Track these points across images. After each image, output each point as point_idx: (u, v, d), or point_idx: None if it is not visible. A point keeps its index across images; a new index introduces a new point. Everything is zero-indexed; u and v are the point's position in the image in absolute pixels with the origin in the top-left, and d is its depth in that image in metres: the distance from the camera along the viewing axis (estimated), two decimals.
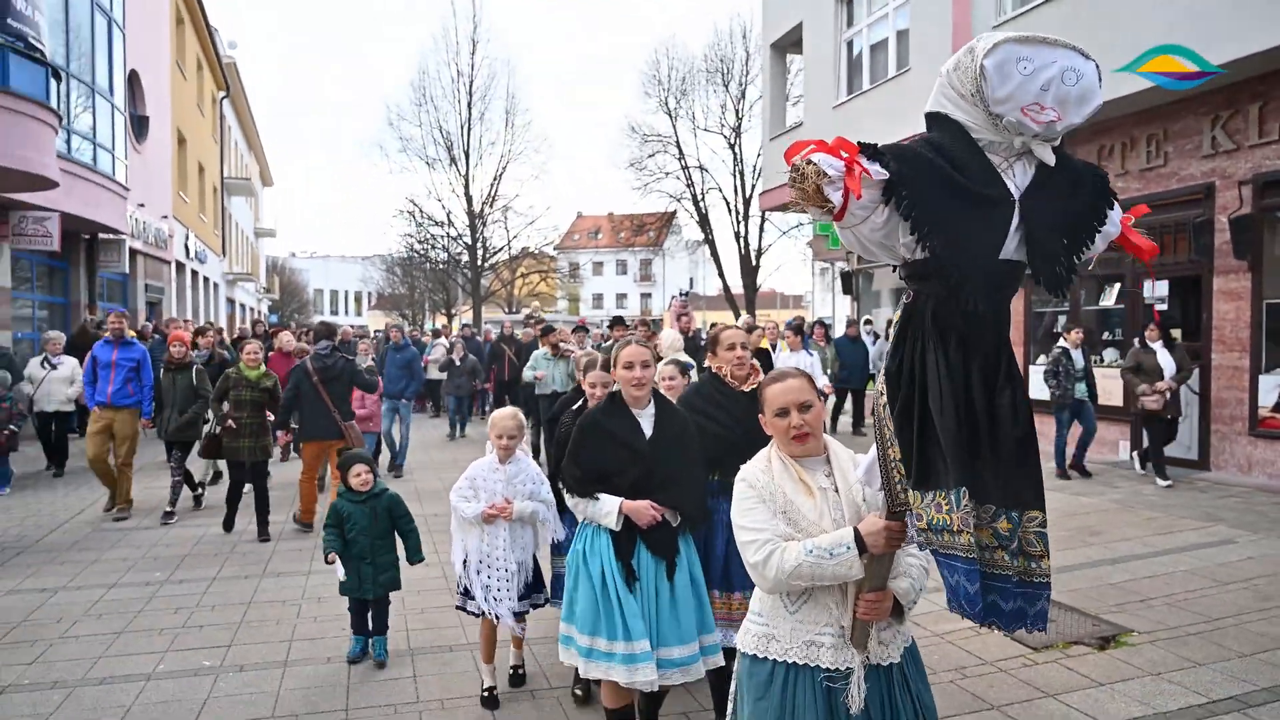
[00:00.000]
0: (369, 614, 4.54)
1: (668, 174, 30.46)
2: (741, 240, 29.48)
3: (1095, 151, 10.43)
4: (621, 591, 3.21)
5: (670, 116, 30.03)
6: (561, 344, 10.11)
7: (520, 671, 4.22)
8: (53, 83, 10.90)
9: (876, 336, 14.14)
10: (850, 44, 14.85)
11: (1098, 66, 1.94)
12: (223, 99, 32.27)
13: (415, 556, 4.64)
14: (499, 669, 4.18)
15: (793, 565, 2.17)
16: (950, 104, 1.99)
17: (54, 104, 10.89)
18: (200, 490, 8.46)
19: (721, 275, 31.08)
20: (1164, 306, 9.83)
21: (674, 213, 32.49)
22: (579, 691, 4.02)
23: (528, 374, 10.17)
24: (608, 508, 3.24)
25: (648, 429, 3.34)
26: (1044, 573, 1.99)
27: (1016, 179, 1.97)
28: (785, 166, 1.94)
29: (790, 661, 2.27)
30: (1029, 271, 2.02)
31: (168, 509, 7.77)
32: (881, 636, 2.25)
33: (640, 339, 3.58)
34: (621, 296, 70.99)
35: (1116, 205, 2.13)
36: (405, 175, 48.38)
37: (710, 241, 31.18)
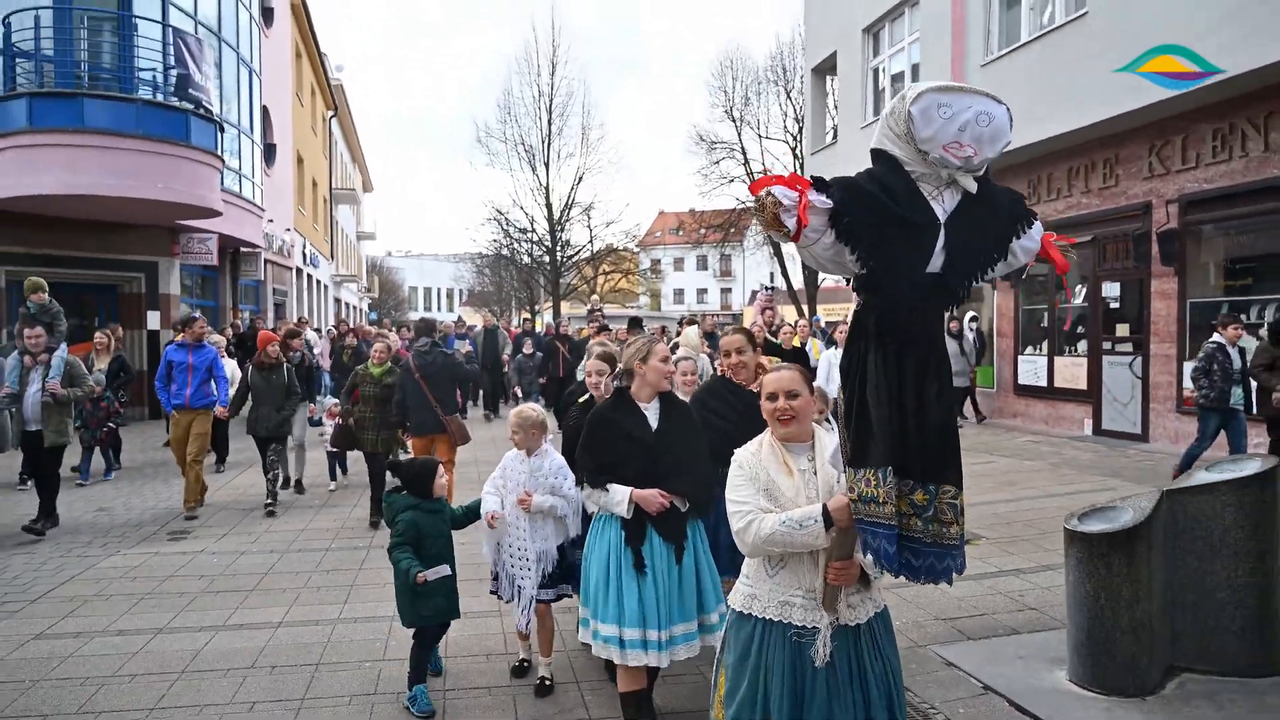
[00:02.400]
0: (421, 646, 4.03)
1: (733, 179, 32.51)
2: None
3: (1066, 172, 12.18)
4: (626, 579, 3.41)
5: (735, 124, 32.09)
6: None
7: (548, 683, 4.08)
8: (218, 134, 13.88)
9: (980, 335, 13.94)
10: (876, 71, 16.73)
11: (1008, 109, 2.30)
12: (331, 118, 35.85)
13: (474, 516, 4.21)
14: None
15: (767, 533, 2.46)
16: (889, 142, 2.34)
17: (219, 151, 13.87)
18: (285, 489, 8.98)
19: (785, 274, 32.95)
20: (1116, 305, 11.57)
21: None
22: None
23: (581, 374, 11.03)
24: (619, 497, 3.42)
25: (653, 421, 3.55)
26: (952, 537, 2.34)
27: (945, 204, 2.30)
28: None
29: (767, 618, 2.56)
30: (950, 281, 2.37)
31: (267, 502, 8.16)
32: (850, 600, 2.52)
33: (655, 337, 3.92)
34: (702, 291, 72.48)
35: (1037, 224, 2.51)
36: (493, 180, 52.89)
37: (774, 241, 33.06)
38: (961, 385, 12.70)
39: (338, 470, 9.50)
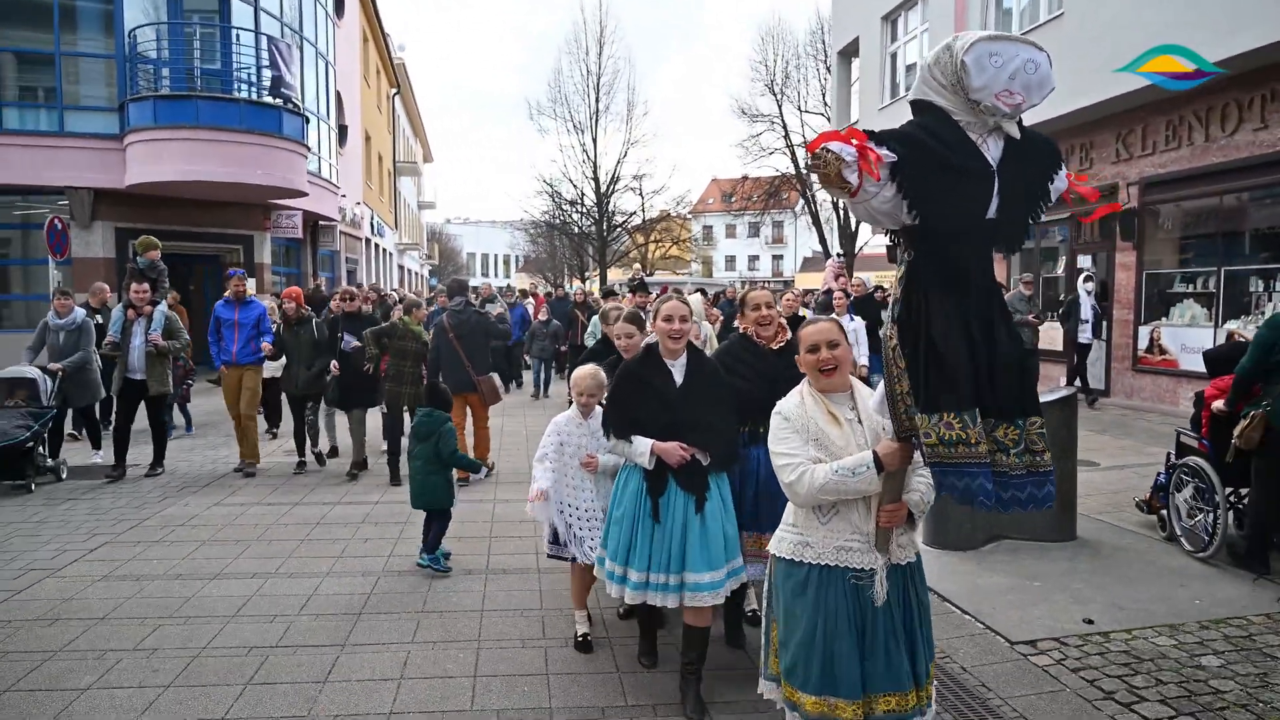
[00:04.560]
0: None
1: (774, 151, 33.81)
2: (840, 209, 32.51)
3: None
4: (643, 526, 3.56)
5: (776, 98, 33.31)
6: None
7: (587, 638, 4.28)
8: (304, 125, 15.99)
9: (1097, 300, 12.35)
10: (894, 56, 18.05)
11: (1049, 57, 2.37)
12: (394, 95, 38.03)
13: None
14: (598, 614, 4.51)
15: (821, 482, 2.52)
16: (933, 92, 2.38)
17: (305, 139, 16.00)
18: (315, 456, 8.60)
19: (823, 241, 34.29)
20: (1091, 272, 12.97)
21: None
22: (621, 610, 4.48)
23: (590, 340, 10.16)
24: (641, 448, 3.55)
25: (679, 377, 3.62)
26: (1047, 464, 2.41)
27: (991, 152, 2.37)
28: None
29: (824, 564, 2.62)
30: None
31: (300, 459, 8.38)
32: (900, 541, 2.63)
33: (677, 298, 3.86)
34: (754, 259, 73.06)
35: (1064, 165, 2.58)
36: (544, 151, 55.22)
37: (813, 213, 34.36)
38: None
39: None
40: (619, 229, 37.04)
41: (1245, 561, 5.04)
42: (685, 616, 3.58)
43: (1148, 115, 11.48)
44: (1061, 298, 13.50)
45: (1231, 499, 5.35)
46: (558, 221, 37.79)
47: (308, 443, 8.49)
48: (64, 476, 7.98)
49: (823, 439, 2.61)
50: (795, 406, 2.70)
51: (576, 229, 36.68)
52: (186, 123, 13.91)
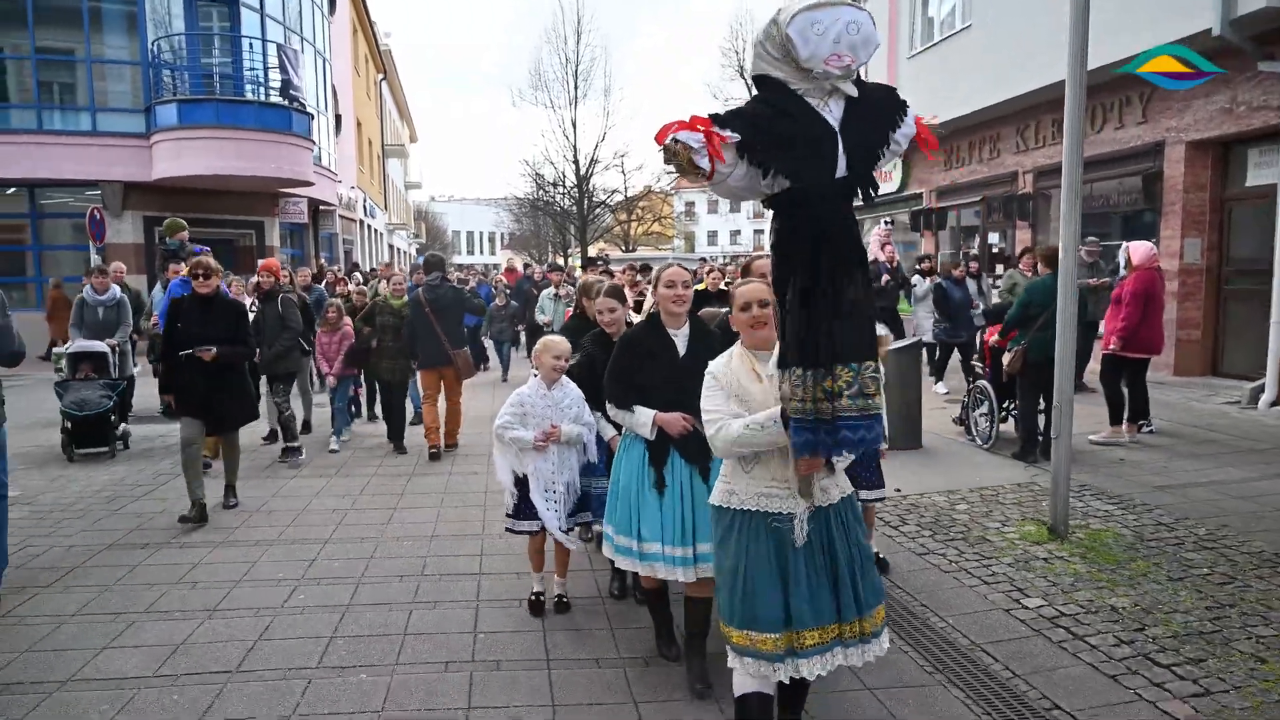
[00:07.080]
0: None
1: None
2: None
3: (967, 145, 15.54)
4: (649, 496, 3.58)
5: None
6: (563, 284, 11.31)
7: (565, 600, 4.41)
8: (310, 121, 17.81)
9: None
10: None
11: (870, 16, 2.48)
12: (381, 81, 39.56)
13: None
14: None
15: (734, 435, 2.68)
16: (769, 66, 2.49)
17: (310, 135, 17.82)
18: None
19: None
20: (998, 250, 15.05)
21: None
22: (615, 590, 4.51)
23: (539, 318, 10.86)
24: (643, 419, 3.58)
25: (682, 347, 3.64)
26: (877, 406, 2.56)
27: (833, 113, 2.50)
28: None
29: (746, 509, 2.78)
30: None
31: (287, 445, 7.87)
32: (822, 484, 2.74)
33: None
34: (735, 233, 75.00)
35: (910, 112, 2.71)
36: (527, 132, 56.95)
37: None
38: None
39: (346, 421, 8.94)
40: (600, 206, 38.91)
41: (1020, 455, 7.16)
42: (688, 589, 3.61)
43: (1039, 114, 13.50)
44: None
45: (1005, 407, 7.54)
46: (540, 202, 39.64)
47: (294, 421, 8.00)
48: (129, 445, 8.50)
49: (744, 395, 2.77)
50: (723, 365, 2.88)
51: (558, 208, 38.51)
52: (207, 122, 15.70)
